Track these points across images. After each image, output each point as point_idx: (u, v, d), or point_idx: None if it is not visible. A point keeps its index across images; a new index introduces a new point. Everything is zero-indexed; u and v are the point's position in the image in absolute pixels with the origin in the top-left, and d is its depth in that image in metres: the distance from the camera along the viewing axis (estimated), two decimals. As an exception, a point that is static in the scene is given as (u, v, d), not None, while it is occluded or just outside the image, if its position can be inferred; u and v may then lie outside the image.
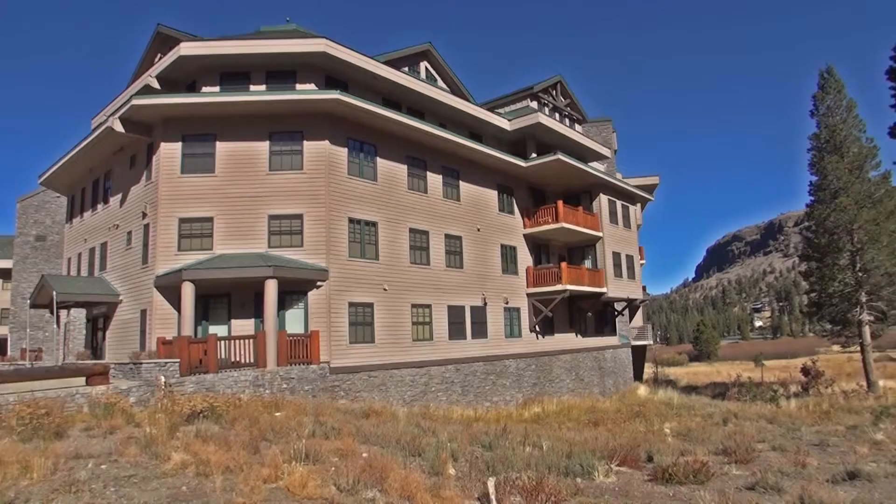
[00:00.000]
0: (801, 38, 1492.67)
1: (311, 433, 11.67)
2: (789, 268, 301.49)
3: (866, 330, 34.45)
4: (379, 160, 22.96)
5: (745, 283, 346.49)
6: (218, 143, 20.83)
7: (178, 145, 20.76)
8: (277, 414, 13.63)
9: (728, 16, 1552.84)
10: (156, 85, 22.10)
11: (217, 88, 22.00)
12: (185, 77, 22.51)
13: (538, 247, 31.31)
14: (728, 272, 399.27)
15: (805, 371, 32.67)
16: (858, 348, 36.39)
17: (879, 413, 17.19)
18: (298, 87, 22.09)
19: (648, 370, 51.13)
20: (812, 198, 37.24)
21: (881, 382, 33.79)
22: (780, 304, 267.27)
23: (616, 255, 33.29)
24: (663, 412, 22.79)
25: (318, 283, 19.98)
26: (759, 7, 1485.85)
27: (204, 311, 19.85)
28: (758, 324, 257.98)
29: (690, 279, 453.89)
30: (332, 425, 12.39)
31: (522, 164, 29.00)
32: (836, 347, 78.92)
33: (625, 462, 11.12)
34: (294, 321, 19.92)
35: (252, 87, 22.07)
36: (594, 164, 34.29)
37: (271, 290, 18.39)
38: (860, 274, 34.29)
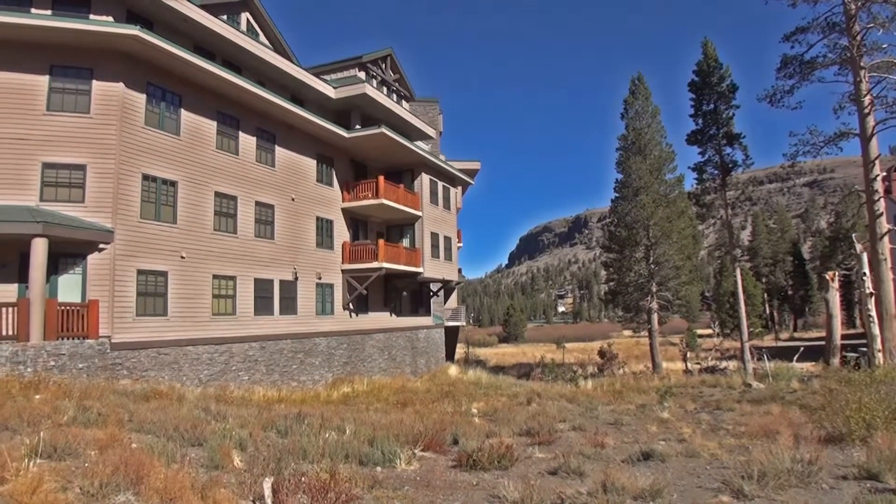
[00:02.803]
0: (616, 46, 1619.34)
1: (72, 420, 9.83)
2: (591, 259, 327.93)
3: (655, 317, 37.83)
4: (184, 112, 20.54)
5: (553, 271, 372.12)
6: (-18, 73, 17.39)
7: (-73, 69, 17.05)
8: (37, 397, 11.49)
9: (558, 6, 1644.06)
10: None
11: (-12, 8, 18.38)
12: (-56, -11, 18.56)
13: (356, 222, 30.31)
14: (538, 260, 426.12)
15: (601, 354, 34.99)
16: (647, 333, 39.89)
17: (664, 392, 18.36)
18: (92, 17, 19.07)
19: (460, 350, 52.41)
20: (616, 194, 40.08)
21: (664, 364, 37.19)
22: (582, 291, 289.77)
23: (434, 236, 33.24)
24: (472, 392, 22.92)
25: (101, 246, 17.38)
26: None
27: (-49, 273, 16.56)
28: (561, 309, 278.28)
29: (504, 265, 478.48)
30: (98, 410, 10.55)
31: (345, 134, 27.73)
32: (627, 332, 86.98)
33: (430, 447, 10.57)
34: (69, 288, 17.16)
35: (34, 11, 18.66)
36: (419, 143, 33.88)
37: (40, 250, 15.60)
38: (653, 266, 37.44)
